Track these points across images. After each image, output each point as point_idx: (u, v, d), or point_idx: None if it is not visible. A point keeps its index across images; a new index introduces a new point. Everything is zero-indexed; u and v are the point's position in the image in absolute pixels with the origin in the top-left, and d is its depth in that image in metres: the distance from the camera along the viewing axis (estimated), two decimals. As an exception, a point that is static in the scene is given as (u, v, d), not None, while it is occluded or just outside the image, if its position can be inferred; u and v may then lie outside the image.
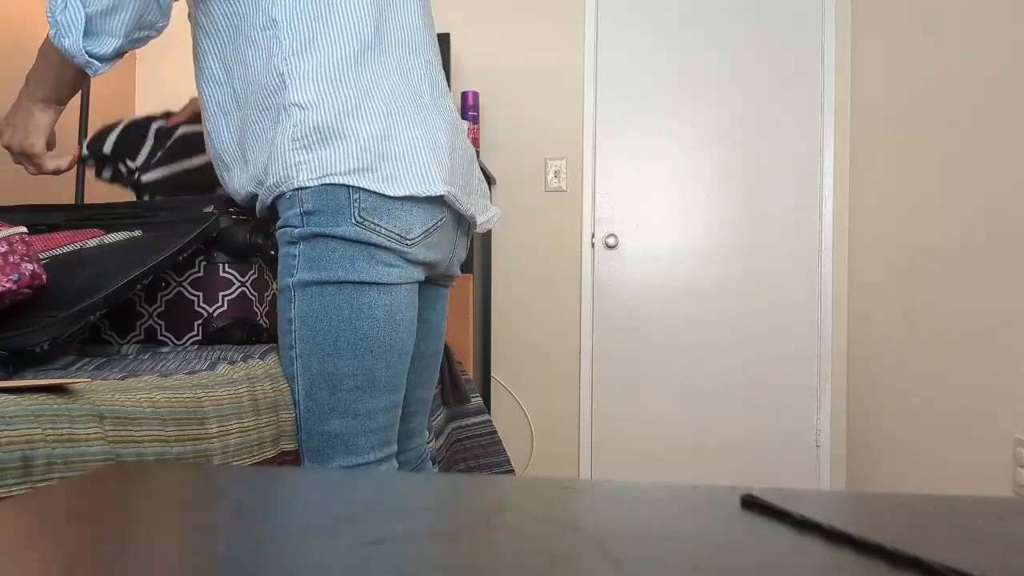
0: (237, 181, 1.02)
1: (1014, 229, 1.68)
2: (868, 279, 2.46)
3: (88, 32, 0.90)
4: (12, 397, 0.60)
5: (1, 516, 0.36)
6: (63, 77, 0.98)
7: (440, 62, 1.09)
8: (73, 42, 0.89)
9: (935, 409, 2.00)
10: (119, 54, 0.94)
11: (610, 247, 2.74)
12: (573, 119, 2.77)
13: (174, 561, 0.30)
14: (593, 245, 2.75)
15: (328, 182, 0.90)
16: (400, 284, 0.94)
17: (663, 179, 2.73)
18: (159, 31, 0.96)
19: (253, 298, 1.13)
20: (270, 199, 0.96)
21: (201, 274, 1.10)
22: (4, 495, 0.55)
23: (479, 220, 1.09)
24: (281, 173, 0.92)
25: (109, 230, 1.10)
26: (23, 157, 1.04)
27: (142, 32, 0.94)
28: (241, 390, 0.86)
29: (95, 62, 0.92)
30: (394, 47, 0.99)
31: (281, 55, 0.94)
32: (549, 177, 2.77)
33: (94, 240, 1.08)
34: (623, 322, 2.73)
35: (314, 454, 0.94)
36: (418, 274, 0.98)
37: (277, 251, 1.12)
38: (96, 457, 0.63)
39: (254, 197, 1.01)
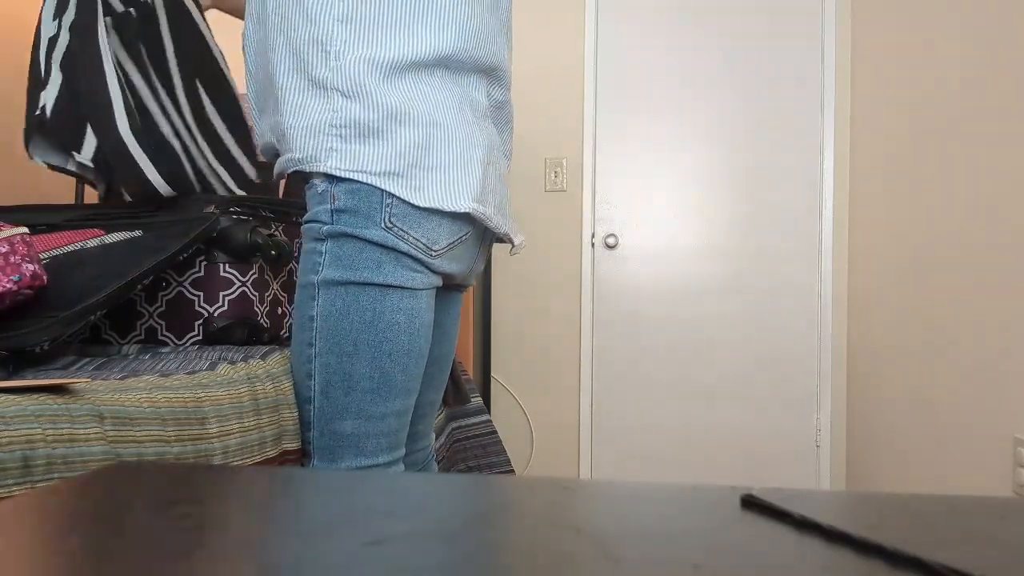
0: (266, 125, 1.00)
1: (1014, 229, 1.68)
2: (868, 279, 2.46)
3: None
4: (12, 397, 0.60)
5: (1, 516, 0.36)
6: None
7: (496, 86, 1.06)
8: None
9: (935, 409, 2.00)
10: None
11: (610, 247, 2.74)
12: (573, 119, 2.77)
13: (174, 561, 0.30)
14: (593, 245, 2.75)
15: (357, 179, 0.89)
16: (422, 289, 0.94)
17: (663, 179, 2.73)
18: None
19: (254, 298, 1.13)
20: (290, 170, 0.94)
21: (201, 274, 1.10)
22: (4, 495, 0.55)
23: (516, 241, 1.08)
24: (309, 151, 0.90)
25: (109, 230, 1.10)
26: None
27: None
28: (241, 390, 0.86)
29: None
30: (461, 63, 0.96)
31: (329, 26, 0.90)
32: (549, 177, 2.77)
33: (94, 240, 1.08)
34: (623, 322, 2.73)
35: (323, 453, 0.94)
36: (438, 281, 0.97)
37: (277, 251, 1.11)
38: (96, 457, 0.63)
39: (274, 154, 1.00)
